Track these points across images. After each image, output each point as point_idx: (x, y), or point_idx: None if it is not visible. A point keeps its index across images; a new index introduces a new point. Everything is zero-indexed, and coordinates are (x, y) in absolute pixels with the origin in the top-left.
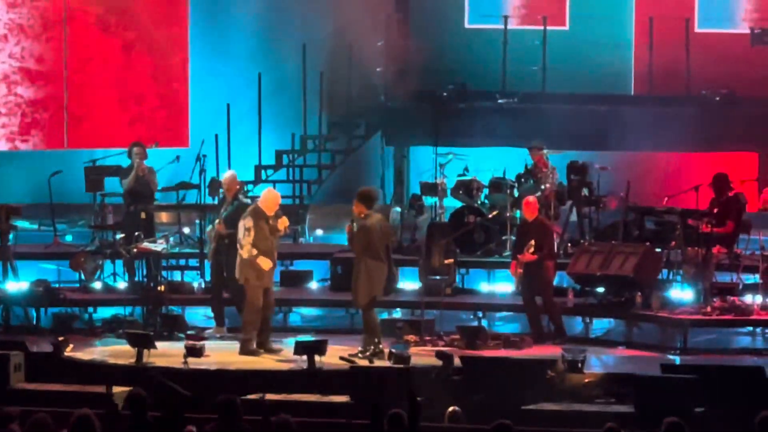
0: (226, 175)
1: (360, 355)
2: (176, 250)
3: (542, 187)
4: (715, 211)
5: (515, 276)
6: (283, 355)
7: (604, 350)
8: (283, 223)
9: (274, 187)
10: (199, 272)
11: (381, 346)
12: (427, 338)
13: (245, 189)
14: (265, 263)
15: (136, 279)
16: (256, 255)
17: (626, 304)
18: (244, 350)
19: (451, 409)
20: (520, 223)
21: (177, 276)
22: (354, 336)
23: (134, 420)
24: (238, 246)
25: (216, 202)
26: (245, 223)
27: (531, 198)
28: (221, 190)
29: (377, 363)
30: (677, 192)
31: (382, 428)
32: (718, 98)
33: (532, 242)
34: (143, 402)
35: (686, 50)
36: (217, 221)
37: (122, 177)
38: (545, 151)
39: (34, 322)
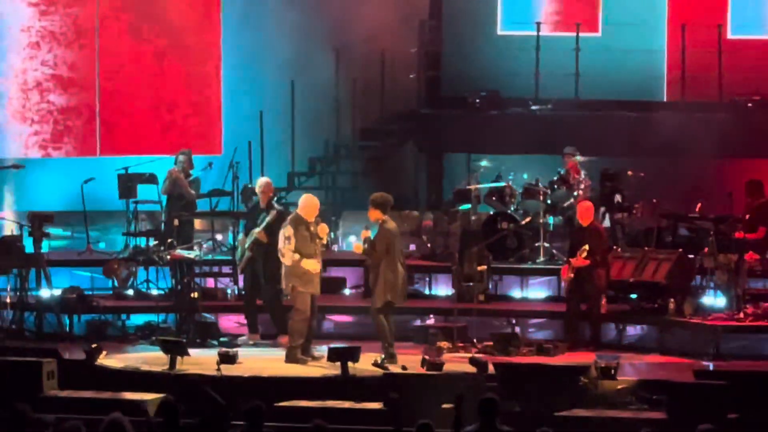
0: (261, 182)
1: (378, 360)
2: (209, 257)
3: (575, 193)
4: (747, 217)
5: (565, 280)
6: (319, 362)
7: (637, 357)
8: (324, 230)
9: None
10: (232, 279)
11: (393, 349)
12: (460, 345)
13: (279, 196)
14: (312, 266)
15: (170, 285)
16: (299, 259)
17: (659, 310)
18: (291, 358)
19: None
20: (575, 227)
21: (210, 283)
22: None
23: (166, 428)
24: (279, 255)
25: (245, 209)
26: (285, 232)
27: (587, 203)
28: (255, 197)
29: (391, 367)
30: (710, 198)
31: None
32: (750, 104)
33: (586, 247)
34: (175, 410)
35: (719, 57)
36: (257, 230)
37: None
38: (578, 157)
39: (67, 330)
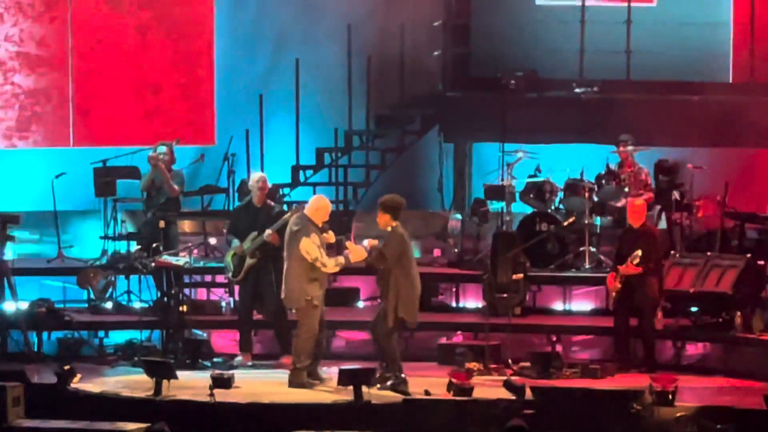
0: (256, 177)
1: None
2: (201, 264)
3: (626, 190)
4: None
5: (612, 291)
6: (328, 386)
7: (699, 379)
8: (330, 238)
9: (314, 191)
10: (226, 290)
11: (403, 375)
12: (493, 366)
13: (281, 193)
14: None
15: (154, 298)
16: (343, 262)
17: (724, 325)
18: (296, 382)
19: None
20: (624, 230)
21: (201, 294)
22: (408, 363)
23: None
24: (314, 263)
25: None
26: (313, 240)
27: (638, 201)
28: (247, 196)
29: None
30: None
31: None
32: None
33: (638, 252)
34: None
35: None
36: (268, 231)
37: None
38: (631, 147)
39: (36, 349)
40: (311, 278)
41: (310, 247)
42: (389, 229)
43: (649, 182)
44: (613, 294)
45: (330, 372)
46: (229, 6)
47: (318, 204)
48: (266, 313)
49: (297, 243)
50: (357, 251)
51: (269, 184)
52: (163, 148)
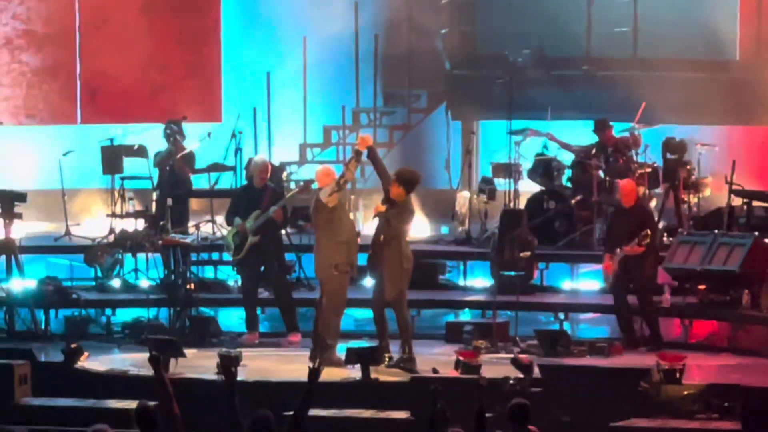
0: (260, 163)
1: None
2: (208, 242)
3: (633, 167)
4: None
5: (609, 272)
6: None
7: (706, 357)
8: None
9: None
10: (235, 268)
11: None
12: (500, 344)
13: (288, 171)
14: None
15: (162, 276)
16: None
17: (731, 303)
18: (329, 360)
19: None
20: (614, 210)
21: (209, 272)
22: (416, 341)
23: None
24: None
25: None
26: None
27: (627, 180)
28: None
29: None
30: None
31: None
32: None
33: (648, 231)
34: (153, 416)
35: None
36: (273, 209)
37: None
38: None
39: (43, 327)
40: (337, 245)
41: (327, 188)
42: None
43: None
44: (610, 275)
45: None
46: None
47: (320, 172)
48: (274, 291)
49: (318, 210)
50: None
51: (271, 167)
52: (174, 127)
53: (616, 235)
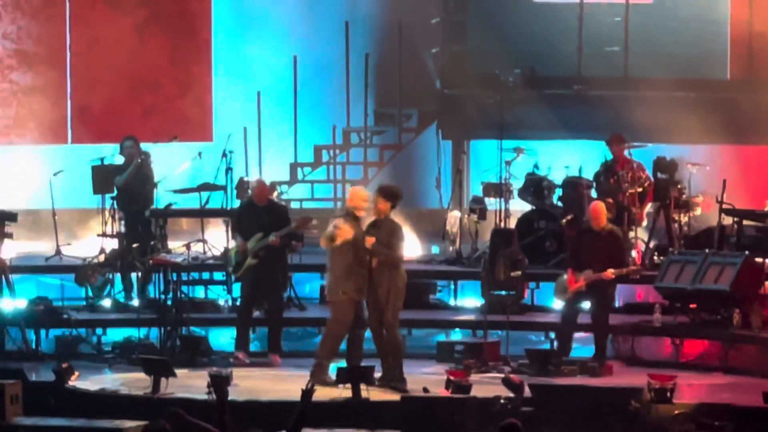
0: (261, 182)
1: (379, 383)
2: (198, 261)
3: (624, 186)
4: None
5: (570, 289)
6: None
7: (697, 377)
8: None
9: (312, 188)
10: (225, 287)
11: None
12: (491, 363)
13: (279, 191)
14: None
15: (152, 295)
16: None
17: (722, 322)
18: (321, 379)
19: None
20: (582, 231)
21: (200, 292)
22: (406, 360)
23: None
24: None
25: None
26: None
27: (598, 203)
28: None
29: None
30: None
31: None
32: None
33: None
34: None
35: None
36: (272, 237)
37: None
38: (626, 144)
39: (34, 347)
40: (347, 274)
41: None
42: (383, 218)
43: (645, 175)
44: (570, 291)
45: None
46: (228, 3)
47: (354, 193)
48: (265, 311)
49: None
50: (346, 231)
51: (267, 187)
52: (130, 142)
53: (585, 255)
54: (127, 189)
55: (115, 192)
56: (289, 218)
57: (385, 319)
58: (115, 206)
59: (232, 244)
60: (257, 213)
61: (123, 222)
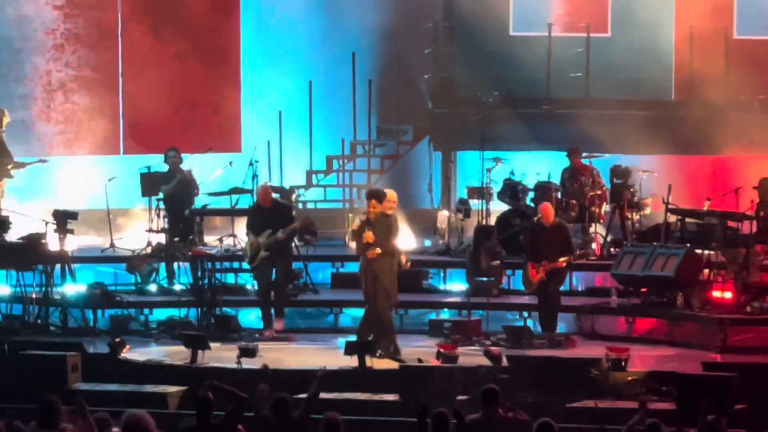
0: (258, 188)
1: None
2: (230, 253)
3: (586, 190)
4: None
5: (536, 280)
6: (336, 354)
7: (647, 349)
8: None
9: (325, 192)
10: (252, 274)
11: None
12: (474, 338)
13: (297, 193)
14: None
15: (191, 281)
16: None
17: (668, 303)
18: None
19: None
20: (536, 228)
21: (230, 278)
22: (403, 336)
23: (200, 421)
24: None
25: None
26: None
27: (546, 203)
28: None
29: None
30: (718, 195)
31: (427, 427)
32: (757, 103)
33: (576, 254)
34: (210, 404)
35: (725, 57)
36: (279, 234)
37: (163, 183)
38: (581, 156)
39: (92, 324)
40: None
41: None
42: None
43: (602, 182)
44: (535, 282)
45: (336, 343)
46: (254, 36)
47: (392, 195)
48: (277, 290)
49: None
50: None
51: (270, 190)
52: (173, 153)
53: (540, 247)
54: (171, 196)
55: (161, 195)
56: (293, 216)
57: (395, 301)
58: (160, 206)
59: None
60: (264, 213)
61: (167, 220)
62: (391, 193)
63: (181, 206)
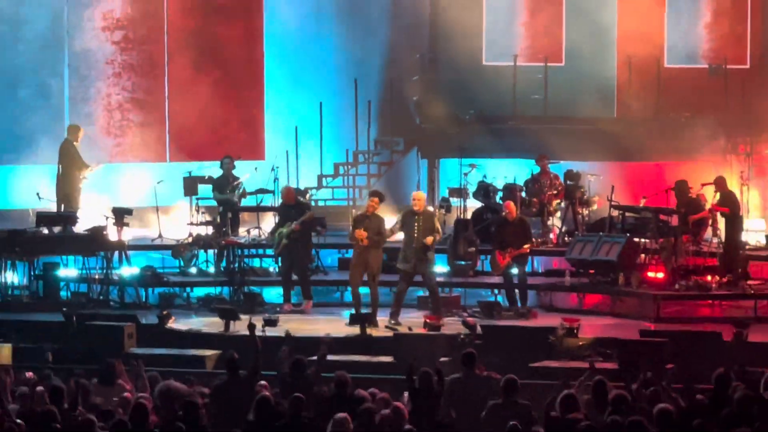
0: (282, 189)
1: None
2: (256, 242)
3: (545, 190)
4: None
5: (503, 264)
6: (342, 324)
7: (594, 319)
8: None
9: (333, 193)
10: (274, 259)
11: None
12: (454, 311)
13: (310, 193)
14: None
15: (224, 265)
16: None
17: (611, 282)
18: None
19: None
20: (501, 222)
21: (256, 262)
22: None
23: (229, 377)
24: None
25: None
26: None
27: (509, 202)
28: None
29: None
30: (651, 194)
31: (415, 383)
32: (683, 119)
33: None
34: (236, 362)
35: (657, 81)
36: (294, 223)
37: (217, 185)
38: (549, 161)
39: (144, 300)
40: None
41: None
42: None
43: (559, 183)
44: (502, 267)
45: (342, 315)
46: (275, 66)
47: (416, 195)
48: (296, 274)
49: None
50: (360, 234)
51: (293, 191)
52: (227, 160)
53: (506, 239)
54: (219, 200)
55: (211, 193)
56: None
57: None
58: (200, 204)
59: (268, 231)
60: (287, 210)
61: (206, 215)
62: (420, 193)
63: (227, 206)
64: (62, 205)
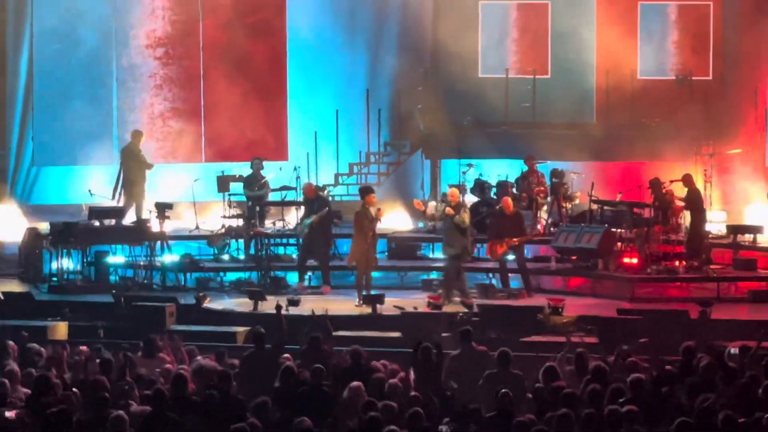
0: (303, 185)
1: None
2: (280, 233)
3: (533, 186)
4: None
5: (500, 253)
6: (354, 304)
7: (577, 299)
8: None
9: (347, 189)
10: (296, 247)
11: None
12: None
13: (327, 190)
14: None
15: (252, 252)
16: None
17: (592, 267)
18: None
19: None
20: (498, 214)
21: (281, 250)
22: (404, 291)
23: (256, 350)
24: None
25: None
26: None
27: (506, 197)
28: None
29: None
30: (626, 189)
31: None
32: (654, 124)
33: (527, 234)
34: (263, 336)
35: (632, 91)
36: (314, 216)
37: (246, 184)
38: (536, 161)
39: (183, 283)
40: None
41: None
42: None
43: (544, 181)
44: (499, 255)
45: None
46: (297, 77)
47: (451, 191)
48: (319, 259)
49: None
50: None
51: (313, 186)
52: (257, 161)
53: (502, 230)
54: (249, 196)
55: (242, 190)
56: (327, 207)
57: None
58: (232, 199)
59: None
60: (309, 203)
61: (247, 208)
62: (454, 190)
63: (256, 201)
64: (131, 201)
